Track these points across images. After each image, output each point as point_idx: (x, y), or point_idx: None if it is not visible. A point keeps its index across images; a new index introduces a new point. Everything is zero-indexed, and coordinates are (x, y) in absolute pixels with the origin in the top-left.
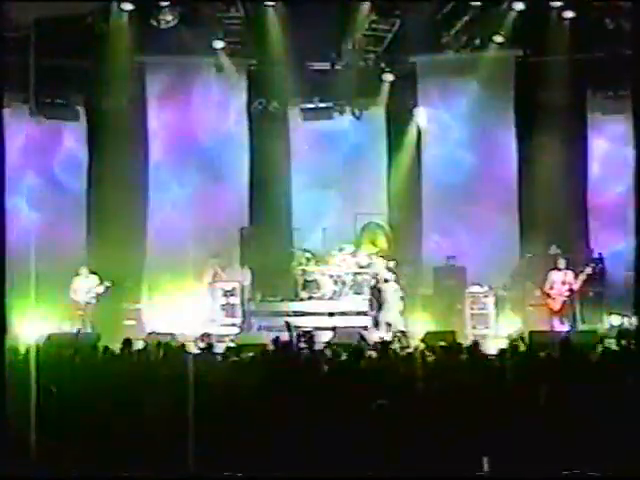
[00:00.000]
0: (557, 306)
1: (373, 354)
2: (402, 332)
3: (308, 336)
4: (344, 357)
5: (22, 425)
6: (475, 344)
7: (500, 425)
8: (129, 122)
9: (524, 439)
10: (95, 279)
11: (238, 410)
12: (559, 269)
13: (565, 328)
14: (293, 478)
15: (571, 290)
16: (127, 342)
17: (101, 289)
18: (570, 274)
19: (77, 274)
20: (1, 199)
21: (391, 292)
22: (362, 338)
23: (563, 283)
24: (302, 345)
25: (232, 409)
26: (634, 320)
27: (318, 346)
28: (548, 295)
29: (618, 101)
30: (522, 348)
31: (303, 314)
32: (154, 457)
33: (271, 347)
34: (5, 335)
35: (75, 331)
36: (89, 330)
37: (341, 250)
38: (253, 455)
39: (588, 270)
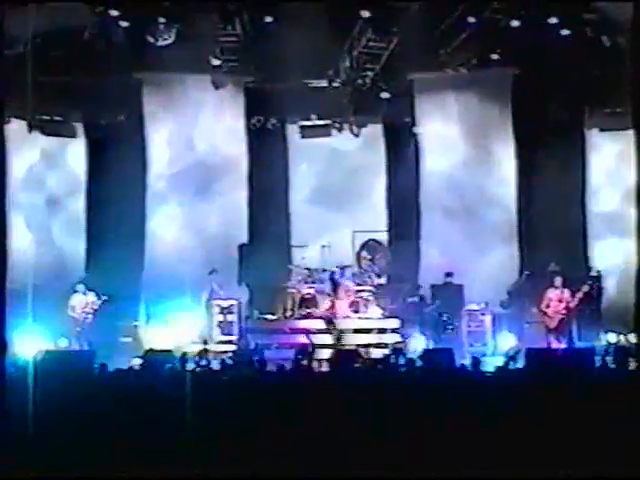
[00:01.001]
0: (553, 324)
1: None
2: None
3: (307, 353)
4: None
5: (20, 438)
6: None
7: (498, 440)
8: (127, 138)
9: (522, 455)
10: (92, 296)
11: (236, 427)
12: (556, 287)
13: (562, 346)
14: (293, 478)
15: (568, 308)
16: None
17: (98, 304)
18: (567, 292)
19: (75, 291)
20: (2, 219)
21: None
22: (359, 355)
23: (560, 301)
24: (300, 363)
25: (231, 426)
26: (631, 338)
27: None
28: (544, 313)
29: (616, 118)
30: (519, 365)
31: (300, 332)
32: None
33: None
34: (5, 351)
35: (70, 348)
36: (85, 347)
37: (339, 267)
38: (252, 471)
39: (585, 288)
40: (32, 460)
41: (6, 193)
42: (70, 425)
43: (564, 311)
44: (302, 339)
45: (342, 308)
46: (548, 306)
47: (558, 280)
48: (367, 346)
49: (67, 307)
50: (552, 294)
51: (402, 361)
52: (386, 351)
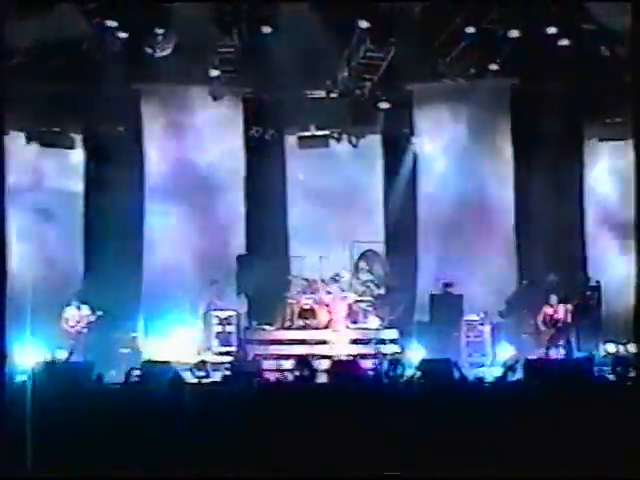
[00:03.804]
0: (547, 337)
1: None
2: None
3: (305, 364)
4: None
5: (18, 449)
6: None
7: (496, 451)
8: (125, 150)
9: (520, 465)
10: (86, 309)
11: (234, 438)
12: (551, 305)
13: (557, 356)
14: (292, 479)
15: (563, 324)
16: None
17: (93, 318)
18: (561, 310)
19: (68, 304)
20: (2, 231)
21: None
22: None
23: (551, 319)
24: (299, 374)
25: (229, 437)
26: (630, 348)
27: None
28: (539, 326)
29: (614, 128)
30: (517, 376)
31: (298, 342)
32: None
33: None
34: (5, 361)
35: (66, 359)
36: (81, 359)
37: (338, 278)
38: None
39: (573, 303)
40: (30, 471)
41: (5, 205)
42: (67, 436)
43: (559, 325)
44: (301, 350)
45: (340, 319)
46: (544, 321)
47: (553, 298)
48: (365, 357)
49: (61, 320)
50: (548, 310)
51: (400, 371)
52: (385, 361)
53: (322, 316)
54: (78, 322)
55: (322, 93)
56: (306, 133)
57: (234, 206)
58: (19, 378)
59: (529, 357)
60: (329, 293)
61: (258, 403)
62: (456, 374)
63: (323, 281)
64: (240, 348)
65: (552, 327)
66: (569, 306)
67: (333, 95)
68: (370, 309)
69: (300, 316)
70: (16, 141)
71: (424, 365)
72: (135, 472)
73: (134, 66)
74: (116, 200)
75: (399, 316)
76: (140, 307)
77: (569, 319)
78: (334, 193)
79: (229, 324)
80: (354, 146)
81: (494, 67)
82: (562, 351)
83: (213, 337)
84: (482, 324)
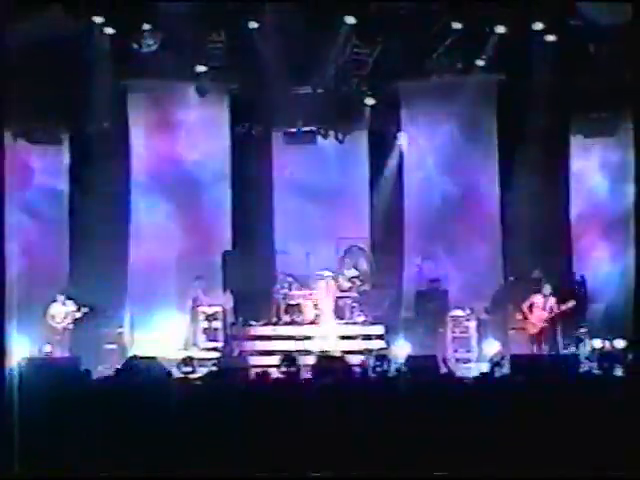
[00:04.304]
0: (534, 330)
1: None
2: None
3: (291, 360)
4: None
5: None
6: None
7: (482, 447)
8: (111, 146)
9: (507, 461)
10: (72, 305)
11: (220, 434)
12: (544, 295)
13: (543, 352)
14: (293, 478)
15: (552, 317)
16: None
17: (79, 314)
18: (553, 301)
19: (54, 300)
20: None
21: None
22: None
23: (544, 309)
24: (285, 370)
25: (215, 436)
26: (616, 343)
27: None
28: (526, 318)
29: (601, 124)
30: (503, 371)
31: (285, 338)
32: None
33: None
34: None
35: (54, 355)
36: (66, 354)
37: (323, 274)
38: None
39: (570, 304)
40: (17, 469)
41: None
42: (54, 432)
43: (548, 319)
44: (287, 345)
45: (327, 315)
46: (531, 310)
47: (547, 288)
48: (351, 352)
49: (47, 316)
50: (537, 300)
51: (386, 367)
52: (370, 357)
53: (308, 312)
54: (64, 318)
55: (308, 89)
56: (292, 129)
57: (220, 202)
58: (4, 373)
59: (515, 353)
60: (315, 289)
61: (244, 399)
62: (442, 370)
63: (309, 277)
64: (226, 344)
65: (540, 319)
66: (560, 300)
67: (320, 91)
68: (356, 305)
69: (286, 312)
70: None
71: (410, 361)
72: (122, 468)
73: (121, 62)
74: (102, 196)
75: (385, 312)
76: (126, 303)
77: (558, 313)
78: (320, 189)
79: (215, 320)
80: (340, 142)
81: (481, 63)
82: (548, 346)
83: (199, 333)
84: (468, 320)
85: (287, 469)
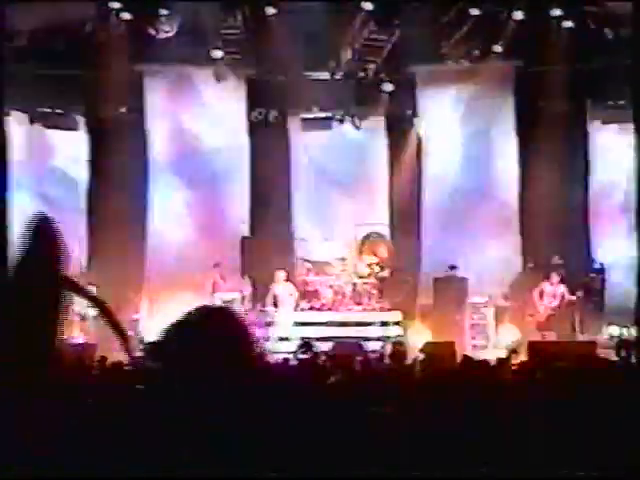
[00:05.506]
0: (542, 318)
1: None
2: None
3: (308, 346)
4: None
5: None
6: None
7: (499, 436)
8: (128, 131)
9: (523, 450)
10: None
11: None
12: (551, 283)
13: (551, 339)
14: (293, 478)
15: (560, 305)
16: None
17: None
18: (562, 288)
19: None
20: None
21: None
22: (360, 348)
23: (554, 297)
24: (302, 356)
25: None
26: (633, 331)
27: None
28: (535, 304)
29: (618, 110)
30: (521, 358)
31: (303, 324)
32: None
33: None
34: None
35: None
36: (83, 341)
37: (342, 260)
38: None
39: (579, 294)
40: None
41: (8, 187)
42: (69, 419)
43: (556, 307)
44: (305, 332)
45: (345, 301)
46: (541, 298)
47: (555, 277)
48: (369, 339)
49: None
50: (547, 288)
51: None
52: (388, 344)
53: (326, 298)
54: (82, 305)
55: (326, 75)
56: (309, 115)
57: (238, 188)
58: None
59: (532, 340)
60: (333, 275)
61: (259, 386)
62: (459, 356)
63: (327, 263)
64: None
65: (548, 307)
66: (572, 288)
67: (337, 77)
68: (374, 291)
69: (304, 298)
70: (19, 122)
71: (428, 347)
72: (137, 457)
73: (137, 47)
74: (118, 181)
75: (403, 298)
76: (144, 288)
77: (569, 299)
78: (338, 175)
79: (233, 306)
80: (357, 128)
81: (498, 49)
82: (556, 334)
83: None
84: (486, 307)
85: (304, 453)
